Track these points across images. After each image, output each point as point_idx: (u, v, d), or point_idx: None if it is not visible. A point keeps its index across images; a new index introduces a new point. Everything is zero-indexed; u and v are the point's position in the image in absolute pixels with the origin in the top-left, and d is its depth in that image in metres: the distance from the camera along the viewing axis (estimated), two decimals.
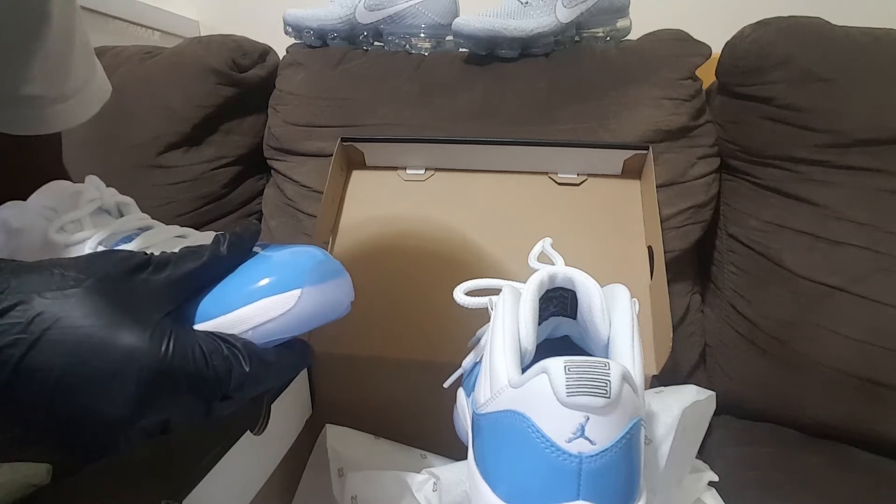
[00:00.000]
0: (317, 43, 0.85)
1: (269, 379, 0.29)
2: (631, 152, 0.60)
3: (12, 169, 0.40)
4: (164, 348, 0.25)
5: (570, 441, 0.27)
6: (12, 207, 0.36)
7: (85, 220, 0.36)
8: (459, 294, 0.38)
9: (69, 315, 0.24)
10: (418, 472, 0.46)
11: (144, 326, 0.25)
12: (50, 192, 0.37)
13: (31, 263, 0.26)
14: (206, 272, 0.29)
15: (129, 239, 0.36)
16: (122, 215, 0.39)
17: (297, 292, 0.29)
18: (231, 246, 0.30)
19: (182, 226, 0.38)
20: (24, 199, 0.36)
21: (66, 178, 0.47)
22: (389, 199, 0.64)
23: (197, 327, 0.28)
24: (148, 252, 0.29)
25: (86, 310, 0.24)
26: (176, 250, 0.29)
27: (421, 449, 0.51)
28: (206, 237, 0.37)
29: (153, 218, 0.39)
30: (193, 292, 0.29)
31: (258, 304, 0.29)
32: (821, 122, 0.65)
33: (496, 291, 0.37)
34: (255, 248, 0.32)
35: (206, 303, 0.29)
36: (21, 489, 0.31)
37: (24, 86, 0.38)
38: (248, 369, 0.27)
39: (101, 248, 0.34)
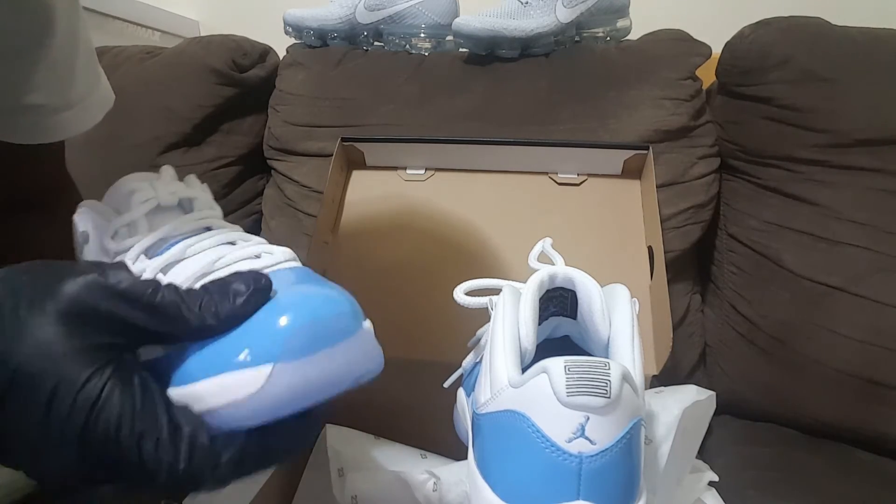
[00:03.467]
0: (317, 43, 0.85)
1: (227, 478, 0.22)
2: (631, 152, 0.60)
3: (15, 176, 0.40)
4: (91, 406, 0.20)
5: (570, 441, 0.27)
6: (82, 208, 0.31)
7: (140, 222, 0.30)
8: (459, 294, 0.38)
9: (8, 349, 0.20)
10: (418, 472, 0.46)
11: (81, 371, 0.20)
12: (118, 188, 0.31)
13: None
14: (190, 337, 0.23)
15: (171, 246, 0.30)
16: (189, 211, 0.32)
17: (266, 369, 0.21)
18: (228, 316, 0.23)
19: None
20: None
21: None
22: (389, 199, 0.64)
23: None
24: (147, 276, 0.24)
25: (25, 343, 0.20)
26: (181, 285, 0.24)
27: (421, 449, 0.51)
28: (259, 242, 0.31)
29: None
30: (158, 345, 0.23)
31: (213, 381, 0.22)
32: (821, 122, 0.65)
33: (496, 291, 0.37)
34: None
35: (162, 362, 0.23)
36: (21, 489, 0.31)
37: (28, 94, 0.37)
38: (182, 466, 0.21)
39: (142, 258, 0.29)
